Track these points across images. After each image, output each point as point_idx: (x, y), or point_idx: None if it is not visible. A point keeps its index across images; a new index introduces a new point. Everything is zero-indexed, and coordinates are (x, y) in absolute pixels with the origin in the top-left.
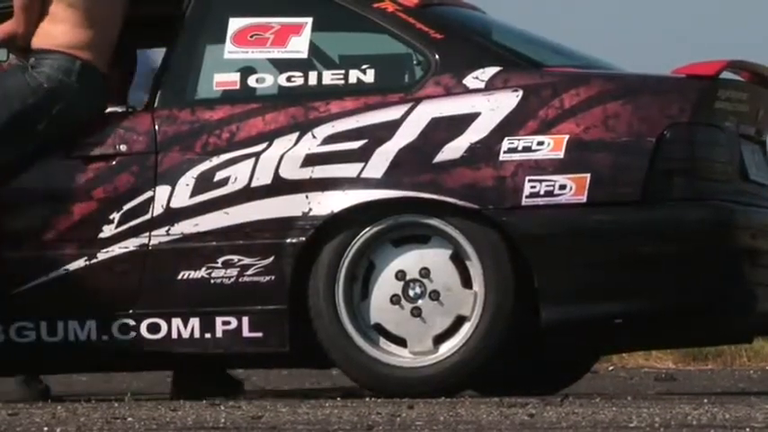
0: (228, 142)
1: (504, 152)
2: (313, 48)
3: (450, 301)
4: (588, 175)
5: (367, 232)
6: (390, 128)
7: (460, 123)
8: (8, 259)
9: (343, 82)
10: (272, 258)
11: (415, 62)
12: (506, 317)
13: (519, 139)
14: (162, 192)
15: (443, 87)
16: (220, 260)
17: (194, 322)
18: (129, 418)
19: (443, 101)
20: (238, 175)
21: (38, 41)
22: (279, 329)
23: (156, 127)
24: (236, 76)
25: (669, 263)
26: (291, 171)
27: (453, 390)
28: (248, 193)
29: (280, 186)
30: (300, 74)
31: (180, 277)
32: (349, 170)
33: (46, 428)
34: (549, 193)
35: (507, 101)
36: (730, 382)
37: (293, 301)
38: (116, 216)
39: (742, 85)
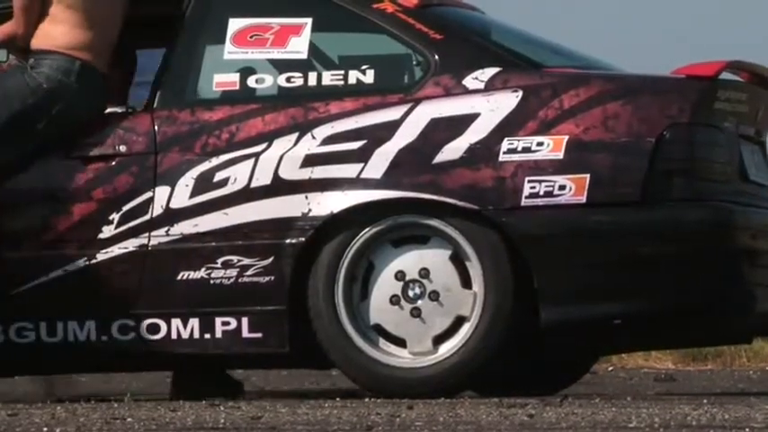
0: (228, 143)
1: (504, 153)
2: (313, 48)
3: (450, 301)
4: (588, 176)
5: (366, 233)
6: (390, 128)
7: (460, 124)
8: (8, 259)
9: (342, 82)
10: (271, 259)
11: (414, 63)
12: (506, 317)
13: (518, 140)
14: (161, 192)
15: (443, 88)
16: (220, 261)
17: (194, 323)
18: (129, 419)
19: (443, 101)
20: (238, 176)
21: (37, 42)
22: (278, 330)
23: (156, 127)
24: (235, 77)
25: (668, 263)
26: (291, 171)
27: (453, 390)
28: (248, 194)
29: (279, 187)
30: (300, 74)
31: (179, 278)
32: (348, 171)
33: (45, 429)
34: (549, 194)
35: (507, 101)
36: (730, 383)
37: (293, 301)
38: (116, 216)
39: (741, 85)
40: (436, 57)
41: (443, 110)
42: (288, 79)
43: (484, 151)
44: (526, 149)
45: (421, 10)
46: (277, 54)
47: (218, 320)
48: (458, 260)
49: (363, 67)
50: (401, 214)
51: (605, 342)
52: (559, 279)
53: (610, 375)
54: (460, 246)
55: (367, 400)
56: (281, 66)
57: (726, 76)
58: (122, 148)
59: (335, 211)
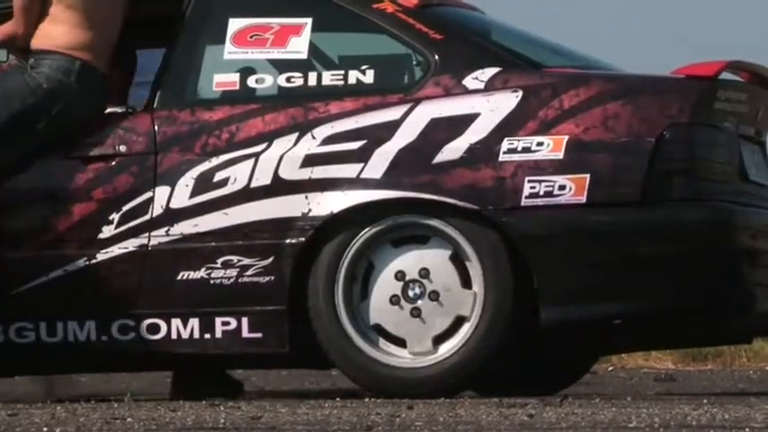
0: (228, 143)
1: (504, 153)
2: (313, 48)
3: (450, 301)
4: (588, 176)
5: (366, 233)
6: (390, 128)
7: (460, 124)
8: (8, 259)
9: (342, 82)
10: (271, 259)
11: (414, 63)
12: (506, 317)
13: (518, 140)
14: (161, 192)
15: (443, 88)
16: (220, 261)
17: (194, 323)
18: (129, 419)
19: (443, 101)
20: (238, 176)
21: (37, 42)
22: (278, 330)
23: (156, 127)
24: (235, 77)
25: (668, 263)
26: (291, 171)
27: (453, 390)
28: (248, 194)
29: (279, 187)
30: (300, 74)
31: (179, 278)
32: (348, 171)
33: (45, 429)
34: (549, 194)
35: (507, 101)
36: (730, 383)
37: (293, 301)
38: (116, 216)
39: (741, 85)
40: (436, 57)
41: (443, 110)
42: (288, 79)
43: (484, 151)
44: (526, 149)
45: (421, 10)
46: (277, 54)
47: (218, 320)
48: (458, 260)
49: (363, 67)
50: (401, 214)
51: (605, 342)
52: (559, 279)
53: (610, 375)
54: (460, 246)
55: (367, 400)
56: (281, 66)
57: (726, 76)
58: (122, 148)
59: (335, 211)
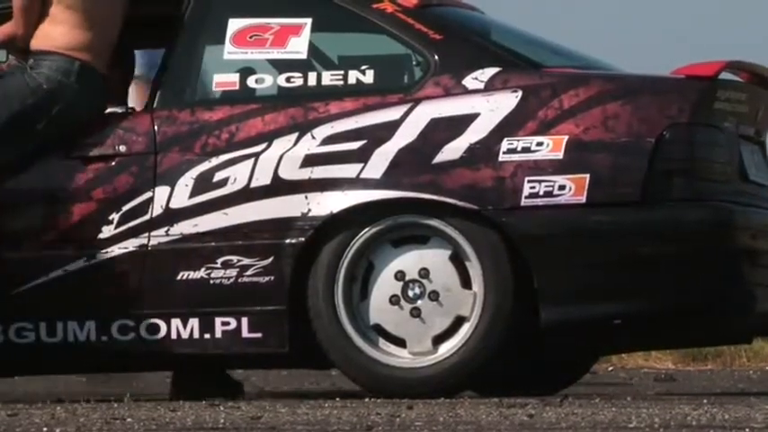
0: (228, 143)
1: (504, 153)
2: (312, 48)
3: (450, 301)
4: (587, 176)
5: (366, 233)
6: (390, 128)
7: (460, 124)
8: (8, 259)
9: (342, 83)
10: (271, 259)
11: (414, 63)
12: (506, 317)
13: (518, 140)
14: (161, 192)
15: (443, 88)
16: (220, 261)
17: (194, 323)
18: (129, 419)
19: (443, 101)
20: (238, 176)
21: (37, 43)
22: (278, 330)
23: (156, 127)
24: (235, 77)
25: (668, 263)
26: (291, 171)
27: (452, 390)
28: (247, 194)
29: (279, 187)
30: (300, 74)
31: (179, 278)
32: (348, 171)
33: (45, 429)
34: (549, 194)
35: (506, 101)
36: (730, 383)
37: (292, 301)
38: (115, 216)
39: (741, 85)
40: (436, 57)
41: (443, 110)
42: (288, 79)
43: (484, 151)
44: (526, 149)
45: (421, 10)
46: (277, 54)
47: (218, 320)
48: (458, 260)
49: (363, 67)
50: (401, 214)
51: (605, 342)
52: (559, 279)
53: (610, 375)
54: (460, 246)
55: (367, 400)
56: (280, 66)
57: (726, 76)
58: (122, 148)
59: (335, 211)
